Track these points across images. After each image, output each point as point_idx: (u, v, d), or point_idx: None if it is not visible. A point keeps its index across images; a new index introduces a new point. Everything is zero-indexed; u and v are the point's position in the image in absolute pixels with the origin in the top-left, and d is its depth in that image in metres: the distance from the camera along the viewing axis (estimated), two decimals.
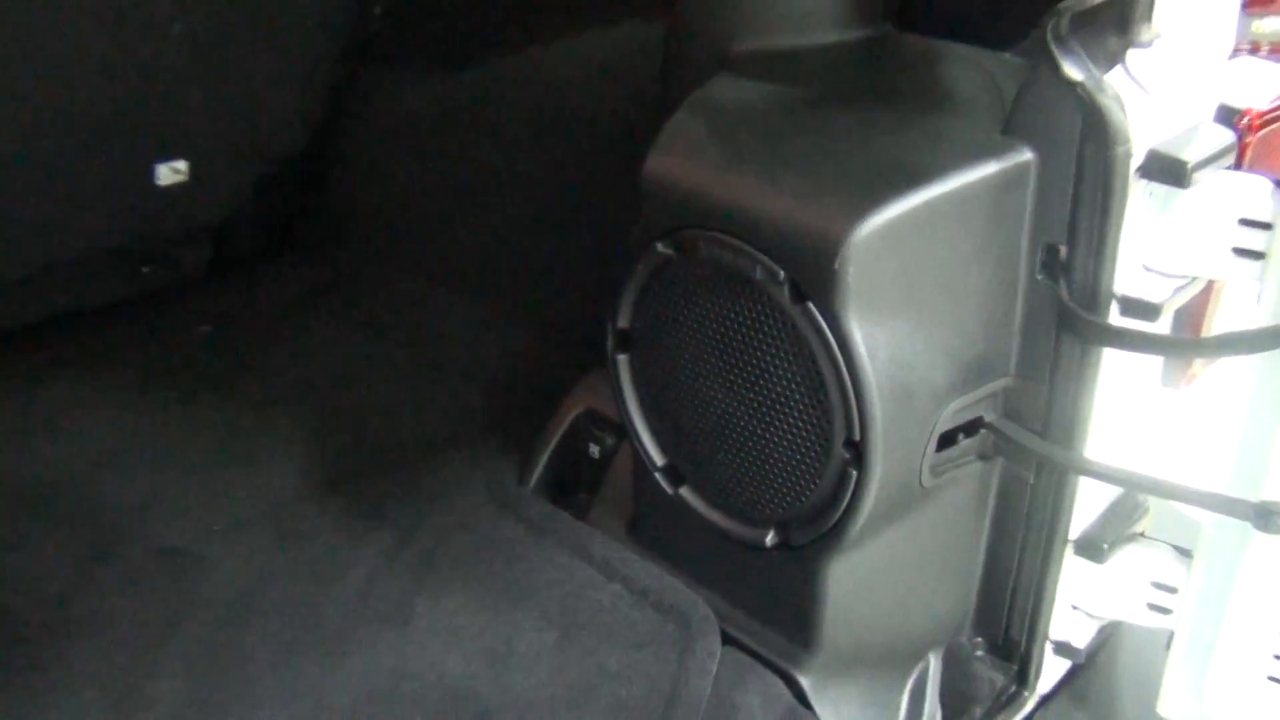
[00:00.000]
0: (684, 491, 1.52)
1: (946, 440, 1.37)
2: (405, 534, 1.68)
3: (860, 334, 1.26)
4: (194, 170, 2.13)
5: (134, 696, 1.42)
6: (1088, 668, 1.58)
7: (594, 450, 1.73)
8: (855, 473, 1.31)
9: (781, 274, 1.28)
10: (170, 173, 2.11)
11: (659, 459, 1.54)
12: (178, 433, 1.91)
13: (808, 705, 1.44)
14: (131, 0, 1.89)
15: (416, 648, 1.49)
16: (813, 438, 1.34)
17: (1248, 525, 1.29)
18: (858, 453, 1.30)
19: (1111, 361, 1.36)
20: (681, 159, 1.41)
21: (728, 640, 1.49)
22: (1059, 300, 1.32)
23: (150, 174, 2.10)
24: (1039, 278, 1.34)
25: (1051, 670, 1.54)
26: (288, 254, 2.42)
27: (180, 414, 1.96)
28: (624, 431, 1.67)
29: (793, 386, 1.33)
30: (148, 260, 2.28)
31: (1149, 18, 1.24)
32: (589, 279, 1.98)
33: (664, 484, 1.54)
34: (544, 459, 1.76)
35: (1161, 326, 1.38)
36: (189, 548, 1.66)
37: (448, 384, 2.04)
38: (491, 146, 2.17)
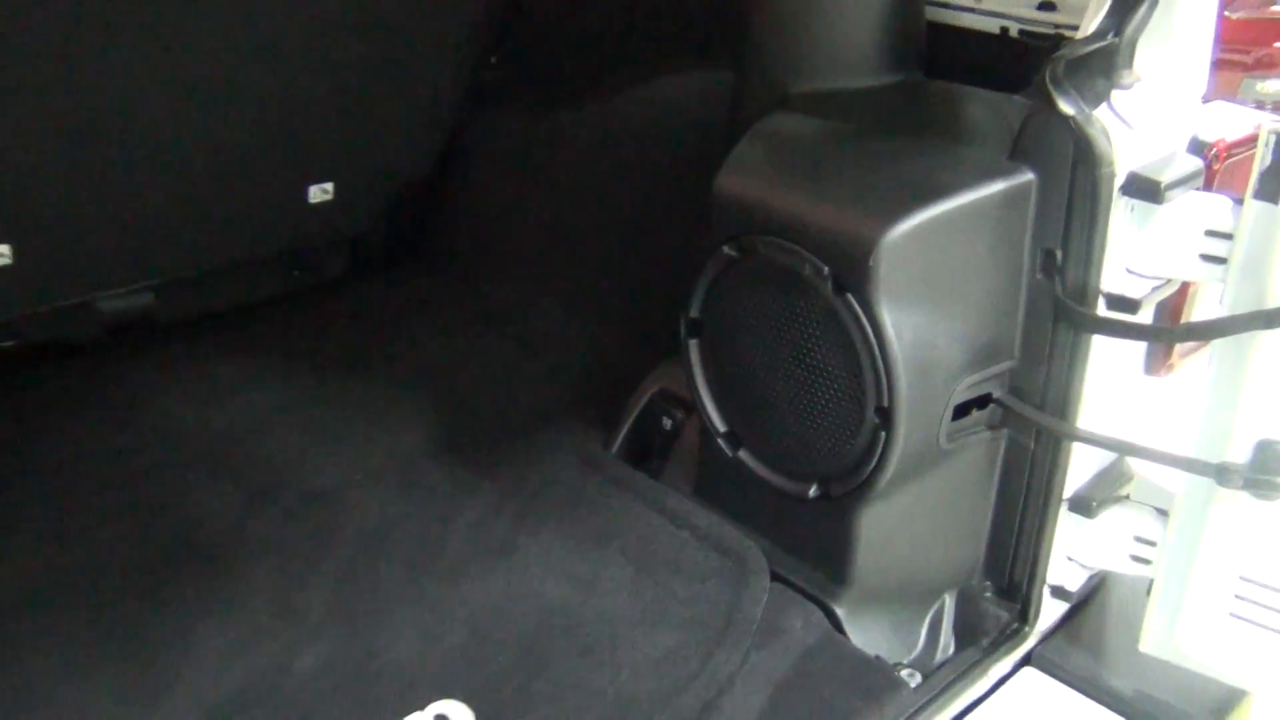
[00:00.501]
0: (742, 454, 1.66)
1: (960, 411, 1.50)
2: (509, 487, 1.82)
3: (889, 319, 1.39)
4: (338, 191, 2.31)
5: (292, 605, 1.58)
6: (1080, 610, 1.68)
7: (666, 423, 1.87)
8: (884, 434, 1.44)
9: (825, 270, 1.43)
10: (320, 192, 2.29)
11: (721, 426, 1.68)
12: (322, 403, 2.07)
13: (842, 631, 1.57)
14: (292, 49, 2.06)
15: (520, 575, 1.64)
16: (849, 405, 1.47)
17: (1214, 488, 1.40)
18: (886, 417, 1.43)
19: (1099, 348, 1.47)
20: (745, 178, 1.56)
21: (775, 577, 1.61)
22: (1055, 295, 1.45)
23: (304, 194, 2.28)
24: (1038, 277, 1.46)
25: (1049, 611, 1.64)
26: (412, 262, 2.58)
27: (323, 389, 2.11)
28: (692, 407, 1.82)
29: (833, 363, 1.47)
30: (298, 265, 2.46)
31: (1129, 65, 1.37)
32: (661, 283, 2.12)
33: (725, 448, 1.67)
34: (625, 430, 1.90)
35: (1143, 319, 1.50)
36: (333, 493, 1.81)
37: (542, 370, 2.18)
38: (583, 172, 2.32)
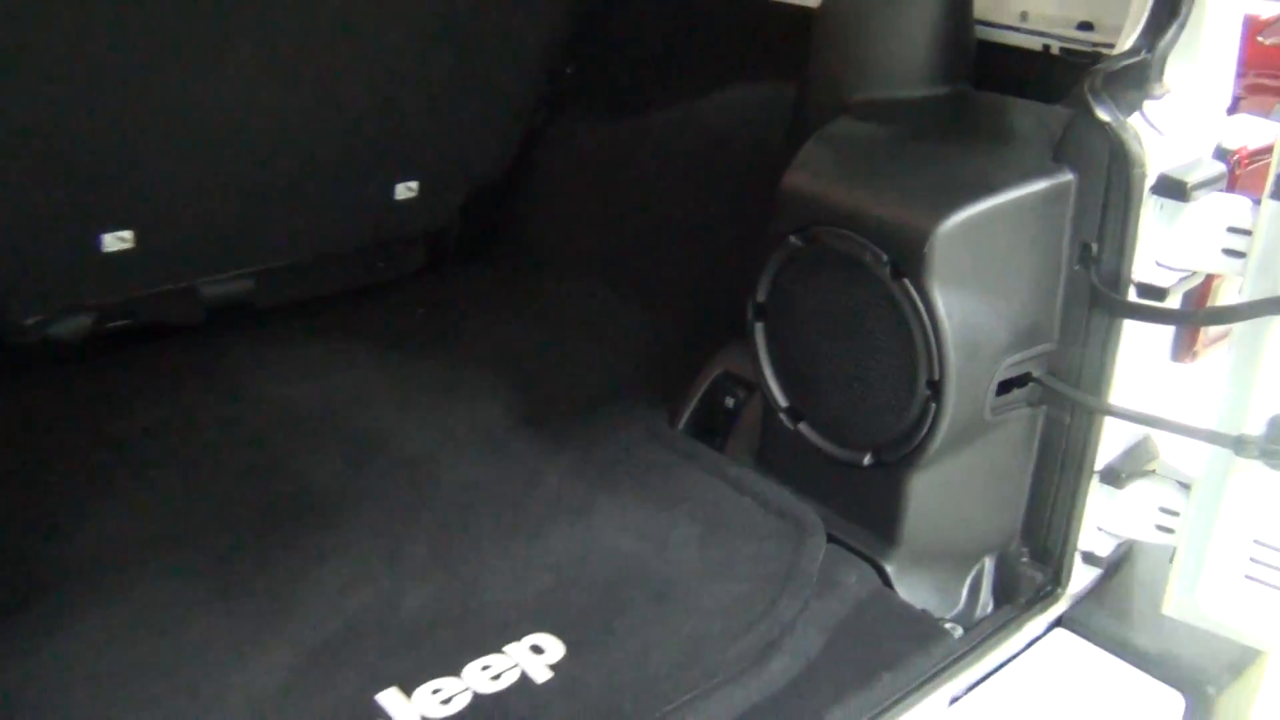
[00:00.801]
0: (801, 426, 1.83)
1: (1003, 388, 1.66)
2: (583, 455, 1.99)
3: (941, 302, 1.56)
4: (422, 189, 2.50)
5: (396, 551, 1.75)
6: (1108, 575, 1.83)
7: (729, 402, 2.04)
8: (935, 406, 1.60)
9: (884, 257, 1.59)
10: (405, 190, 2.48)
11: (783, 402, 1.84)
12: (408, 381, 2.25)
13: (890, 586, 1.72)
14: (388, 58, 2.25)
15: (598, 531, 1.80)
16: (902, 380, 1.64)
17: (1232, 459, 1.55)
18: (936, 391, 1.60)
19: (1130, 333, 1.63)
20: (812, 176, 1.73)
21: (830, 538, 1.77)
22: (1091, 284, 1.61)
23: (391, 191, 2.47)
24: (1076, 267, 1.63)
25: (1080, 576, 1.79)
26: (484, 258, 2.76)
27: (408, 369, 2.29)
28: (752, 387, 1.99)
29: (888, 342, 1.64)
30: (381, 257, 2.65)
31: (1160, 78, 1.53)
32: (718, 276, 2.30)
33: (786, 421, 1.84)
34: (690, 408, 2.07)
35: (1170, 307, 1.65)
36: (425, 458, 1.98)
37: (608, 355, 2.35)
38: (648, 174, 2.49)
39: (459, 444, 2.03)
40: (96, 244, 2.12)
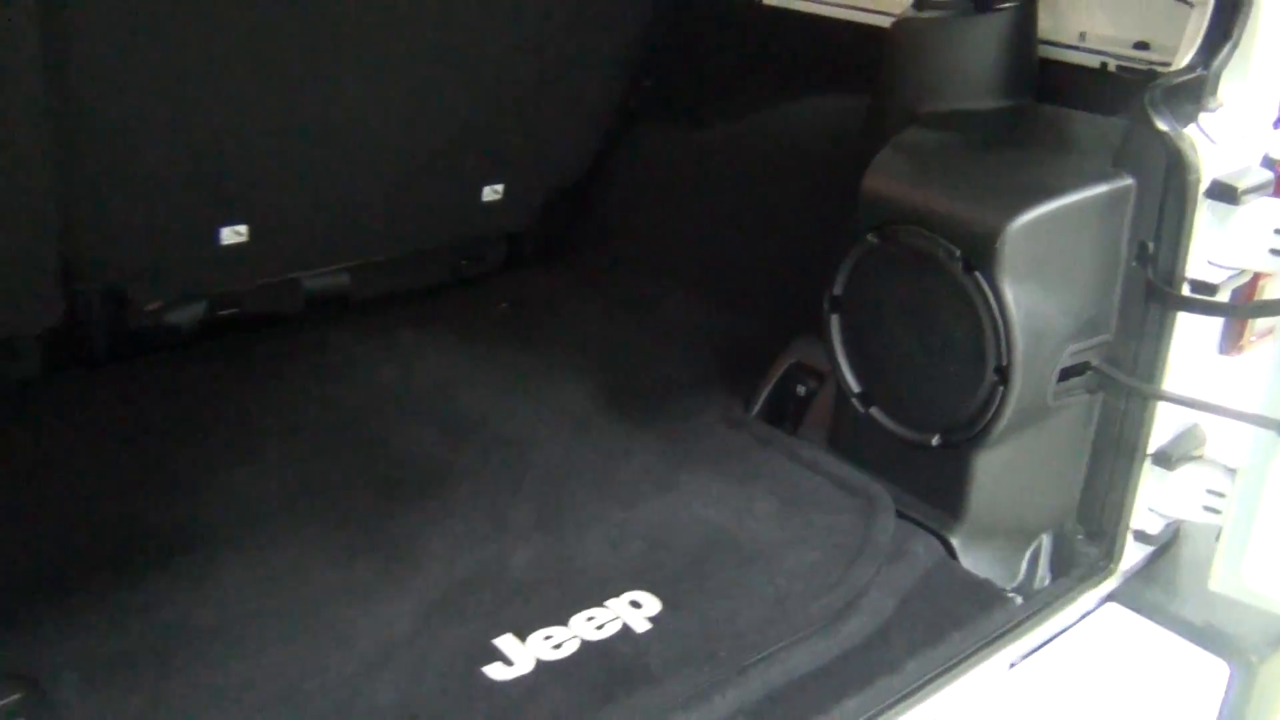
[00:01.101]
0: (873, 410, 1.97)
1: (1064, 375, 1.80)
2: (665, 437, 2.15)
3: (1010, 294, 1.71)
4: (506, 191, 2.67)
5: (501, 517, 1.90)
6: (1159, 552, 1.96)
7: (800, 390, 2.19)
8: (1001, 390, 1.75)
9: (957, 253, 1.75)
10: (491, 192, 2.65)
11: (856, 388, 1.99)
12: (497, 369, 2.41)
13: (955, 558, 1.87)
14: (481, 68, 2.42)
15: (684, 503, 1.96)
16: (971, 366, 1.78)
17: (1277, 443, 1.70)
18: (1004, 376, 1.74)
19: (1183, 327, 1.77)
20: (888, 178, 1.89)
21: (899, 513, 1.92)
22: (1147, 280, 1.75)
23: (478, 193, 2.64)
24: (1133, 264, 1.77)
25: (1132, 553, 1.93)
26: (560, 258, 2.93)
27: (496, 358, 2.45)
28: (823, 377, 2.14)
29: (958, 331, 1.79)
30: (465, 255, 2.83)
31: (1214, 93, 1.68)
32: (789, 274, 2.46)
33: (858, 405, 1.99)
34: (763, 395, 2.22)
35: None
36: (520, 437, 2.14)
37: (683, 348, 2.51)
38: (719, 180, 2.65)
39: (549, 425, 2.19)
40: (216, 237, 2.29)
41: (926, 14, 2.00)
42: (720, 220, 2.65)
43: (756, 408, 2.22)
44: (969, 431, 1.82)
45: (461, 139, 2.51)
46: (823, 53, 2.55)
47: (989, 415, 1.78)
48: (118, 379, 2.30)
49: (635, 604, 1.72)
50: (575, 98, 2.62)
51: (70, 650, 1.56)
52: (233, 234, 2.31)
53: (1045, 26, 2.03)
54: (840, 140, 2.38)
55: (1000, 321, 1.72)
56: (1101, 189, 1.73)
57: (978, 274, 1.72)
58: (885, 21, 2.32)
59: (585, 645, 1.63)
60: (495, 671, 1.58)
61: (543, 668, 1.58)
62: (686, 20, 2.68)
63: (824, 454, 2.07)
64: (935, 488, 1.91)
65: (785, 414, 2.21)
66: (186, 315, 2.46)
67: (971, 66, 1.98)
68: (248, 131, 2.19)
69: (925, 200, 1.81)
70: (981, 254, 1.71)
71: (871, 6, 2.42)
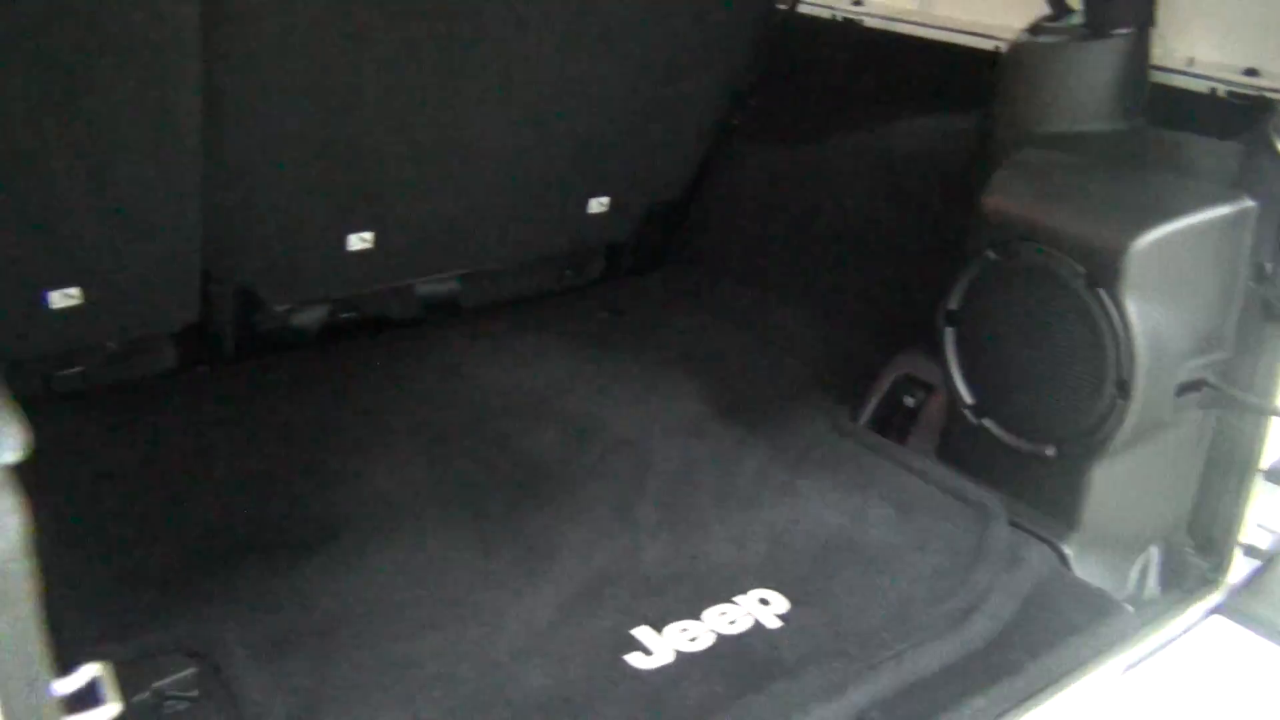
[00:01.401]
0: (986, 422, 2.04)
1: (1182, 390, 1.86)
2: (779, 444, 2.22)
3: (1133, 309, 1.77)
4: (612, 204, 2.76)
5: (628, 515, 1.99)
6: (1267, 568, 2.00)
7: (909, 401, 2.25)
8: (1121, 403, 1.81)
9: (1080, 269, 1.81)
10: (598, 205, 2.74)
11: (969, 399, 2.06)
12: (606, 376, 2.49)
13: (1068, 566, 1.92)
14: (596, 87, 2.51)
15: (803, 507, 2.03)
16: (1091, 380, 1.85)
17: None
18: (1124, 389, 1.80)
19: None
20: (1008, 197, 1.95)
21: (1011, 522, 1.98)
22: (1265, 299, 1.81)
23: (586, 205, 2.73)
24: (1251, 284, 1.83)
25: (1240, 566, 1.97)
26: (657, 267, 3.02)
27: (604, 365, 2.54)
28: (931, 388, 2.21)
29: (1079, 345, 1.85)
30: (568, 264, 2.92)
31: None
32: (887, 288, 2.53)
33: (970, 416, 2.05)
34: (871, 406, 2.29)
35: None
36: (638, 440, 2.22)
37: (785, 359, 2.58)
38: (820, 196, 2.73)
39: (664, 429, 2.27)
40: (344, 243, 2.40)
41: (1043, 39, 2.07)
42: (818, 236, 2.72)
43: (864, 417, 2.29)
44: (1086, 443, 1.88)
45: (574, 154, 2.60)
46: (923, 73, 2.62)
47: (1107, 428, 1.84)
48: (248, 376, 2.41)
49: (764, 601, 1.79)
50: (683, 114, 2.71)
51: (236, 629, 1.66)
52: (359, 240, 2.42)
53: (1155, 52, 2.10)
54: (942, 159, 2.46)
55: (1122, 336, 1.78)
56: (1223, 210, 1.79)
57: (1101, 290, 1.79)
58: (988, 44, 2.42)
59: (721, 639, 1.71)
60: (637, 660, 1.66)
61: (683, 658, 1.66)
62: (789, 40, 2.76)
63: (934, 463, 2.13)
64: (1048, 498, 1.97)
65: (892, 424, 2.27)
66: (310, 317, 2.57)
67: (1087, 90, 2.05)
68: (380, 144, 2.29)
69: (1048, 218, 1.88)
70: (1105, 271, 1.77)
71: (975, 29, 2.49)
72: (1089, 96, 2.05)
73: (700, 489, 2.08)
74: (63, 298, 2.12)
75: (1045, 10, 2.14)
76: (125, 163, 1.99)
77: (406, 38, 2.16)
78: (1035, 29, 2.10)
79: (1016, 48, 2.11)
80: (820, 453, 2.19)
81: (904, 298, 2.47)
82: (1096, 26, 2.04)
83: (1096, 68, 2.04)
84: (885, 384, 2.29)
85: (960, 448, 2.12)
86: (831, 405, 2.36)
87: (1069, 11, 2.11)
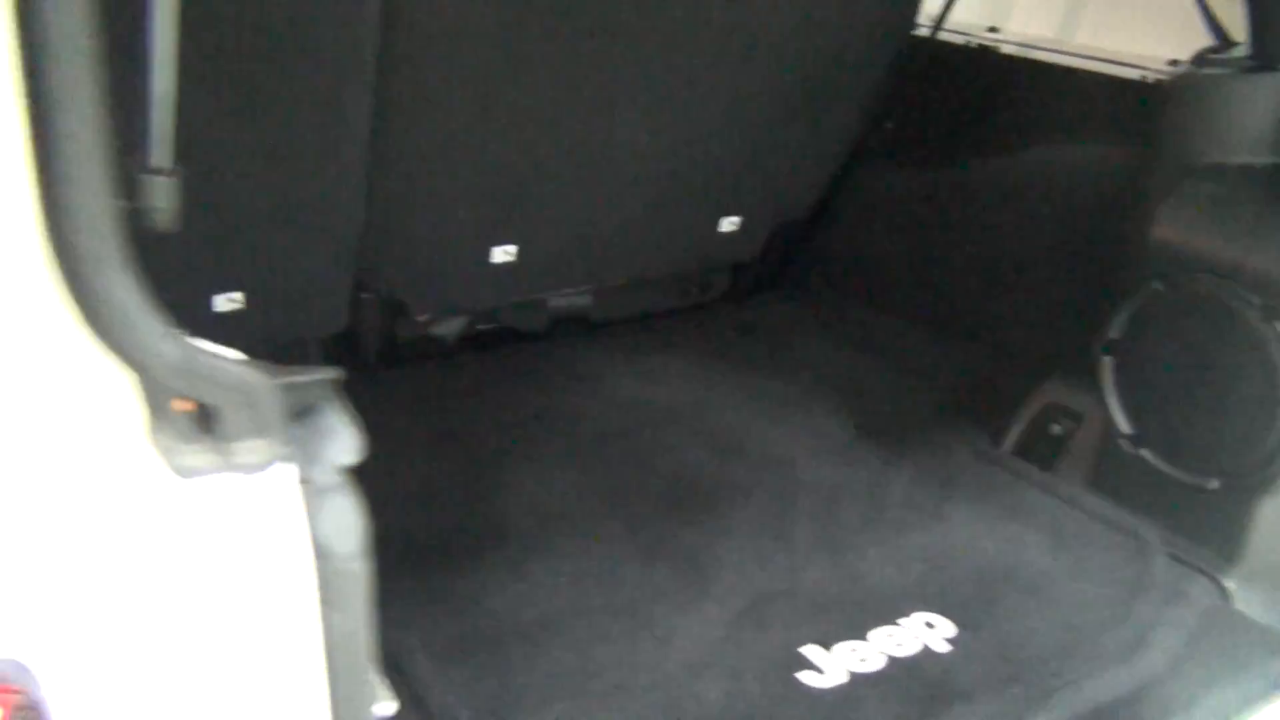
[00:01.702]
0: (1143, 451, 2.03)
1: None
2: (921, 468, 2.22)
3: None
4: (741, 224, 2.78)
5: (783, 534, 2.00)
6: None
7: (1055, 429, 2.24)
8: None
9: (1257, 301, 1.80)
10: (728, 224, 2.76)
11: (1127, 428, 2.05)
12: (742, 393, 2.51)
13: (1229, 600, 1.90)
14: (738, 111, 2.53)
15: (955, 532, 2.03)
16: (1260, 411, 1.84)
17: None
18: None
19: None
20: (1177, 228, 1.96)
21: (1170, 556, 1.97)
22: None
23: (717, 224, 2.76)
24: None
25: None
26: (782, 286, 3.04)
27: (738, 385, 2.55)
28: (1079, 417, 2.20)
29: (1253, 377, 1.84)
30: (695, 283, 2.95)
31: None
32: (1025, 314, 2.52)
33: (1127, 446, 2.05)
34: (1015, 433, 2.29)
35: None
36: (786, 460, 2.24)
37: (917, 381, 2.59)
38: (952, 221, 2.73)
39: (808, 449, 2.28)
40: (488, 255, 2.44)
41: (1208, 71, 2.07)
42: (951, 261, 2.73)
43: (1007, 444, 2.29)
44: (1255, 476, 1.86)
45: (710, 172, 2.63)
46: (1064, 101, 2.62)
47: (1278, 460, 1.82)
48: (392, 384, 2.46)
49: (929, 624, 1.80)
50: (818, 135, 2.73)
51: (416, 634, 1.69)
52: (503, 253, 2.46)
53: None
54: (1085, 187, 2.46)
55: None
56: None
57: (1278, 323, 1.78)
58: (1133, 74, 2.41)
59: (892, 661, 1.71)
60: (809, 679, 1.67)
61: (857, 679, 1.67)
62: (923, 65, 2.77)
63: (1085, 492, 2.12)
64: (1208, 530, 1.95)
65: (1037, 451, 2.27)
66: (449, 328, 2.62)
67: (1253, 123, 2.04)
68: (529, 160, 2.33)
69: (1220, 250, 1.87)
70: None
71: (1118, 58, 2.49)
72: (1256, 129, 2.04)
73: (850, 510, 2.09)
74: (227, 302, 2.18)
75: (1204, 41, 2.14)
76: (299, 169, 2.05)
77: (567, 55, 2.20)
78: (1200, 60, 2.10)
79: (1182, 79, 2.11)
80: (967, 479, 2.19)
81: (1043, 325, 2.47)
82: (1264, 59, 2.03)
83: (1265, 101, 2.03)
84: (1030, 411, 2.29)
85: (1114, 477, 2.11)
86: (970, 430, 2.36)
87: (1233, 43, 2.11)
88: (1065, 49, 2.70)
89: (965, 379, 2.56)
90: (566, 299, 2.76)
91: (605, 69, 2.27)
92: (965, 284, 2.69)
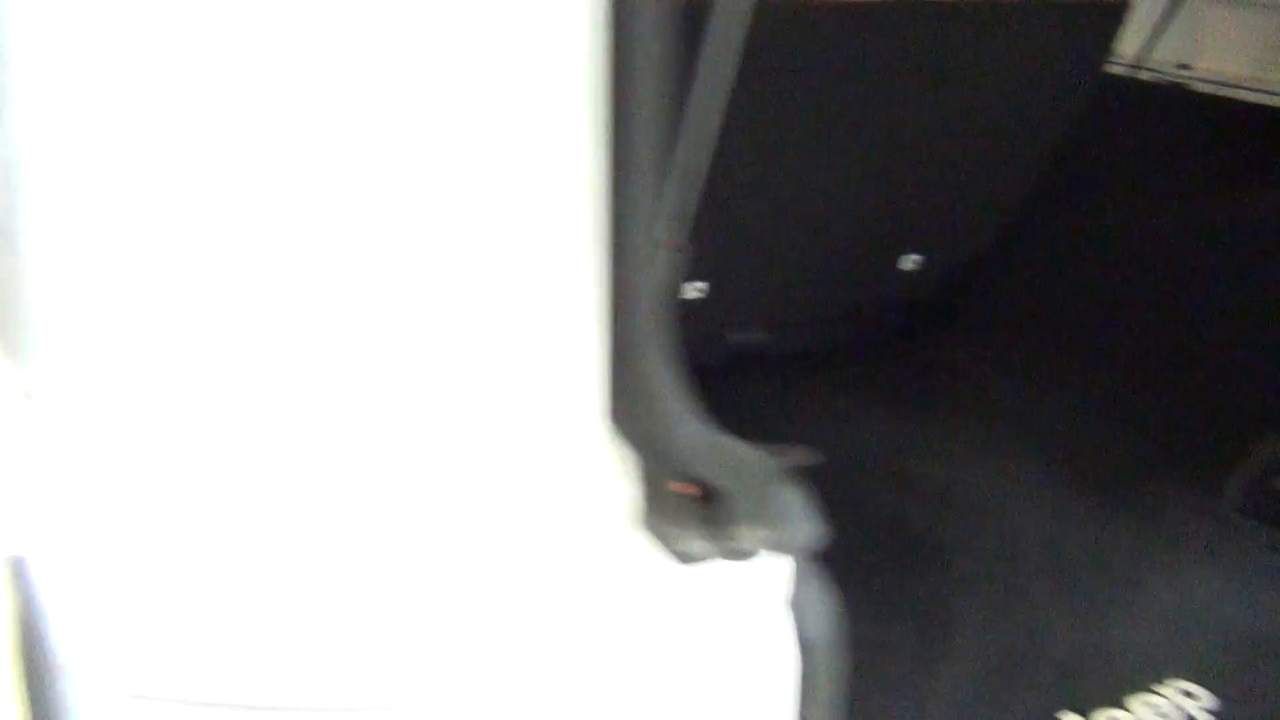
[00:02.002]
0: None
1: None
2: (1142, 520, 2.14)
3: None
4: (924, 261, 2.72)
5: (1015, 590, 1.93)
6: None
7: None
8: None
9: None
10: (910, 262, 2.70)
11: None
12: (935, 438, 2.45)
13: None
14: (932, 158, 2.48)
15: (1192, 592, 1.95)
16: None
17: None
18: None
19: None
20: None
21: None
22: None
23: (897, 261, 2.70)
24: None
25: None
26: (956, 326, 2.96)
27: (929, 426, 2.50)
28: None
29: None
30: (870, 319, 2.89)
31: None
32: (1234, 363, 2.43)
33: None
34: (1243, 488, 2.19)
35: None
36: (996, 511, 2.16)
37: (1121, 431, 2.48)
38: (1144, 265, 2.65)
39: (1019, 499, 2.21)
40: (680, 291, 2.41)
41: None
42: (1144, 305, 2.64)
43: (1231, 498, 2.19)
44: None
45: (895, 209, 2.58)
46: (1261, 140, 2.54)
47: None
48: None
49: (1188, 694, 1.71)
50: (1003, 172, 2.66)
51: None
52: (694, 290, 2.42)
53: None
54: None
55: None
56: None
57: None
58: None
59: None
60: None
61: None
62: (1110, 104, 2.70)
63: None
64: None
65: (1266, 507, 2.17)
66: None
67: None
68: (734, 199, 2.30)
69: None
70: None
71: None
72: None
73: (1078, 565, 2.01)
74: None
75: None
76: None
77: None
78: None
79: None
80: (1193, 535, 2.11)
81: (1253, 373, 2.37)
82: None
83: None
84: (1253, 465, 2.19)
85: None
86: (1185, 481, 2.27)
87: None
88: (1263, 87, 2.62)
89: (1171, 427, 2.47)
90: (743, 335, 2.71)
91: (824, 127, 2.25)
92: (1158, 329, 2.60)
